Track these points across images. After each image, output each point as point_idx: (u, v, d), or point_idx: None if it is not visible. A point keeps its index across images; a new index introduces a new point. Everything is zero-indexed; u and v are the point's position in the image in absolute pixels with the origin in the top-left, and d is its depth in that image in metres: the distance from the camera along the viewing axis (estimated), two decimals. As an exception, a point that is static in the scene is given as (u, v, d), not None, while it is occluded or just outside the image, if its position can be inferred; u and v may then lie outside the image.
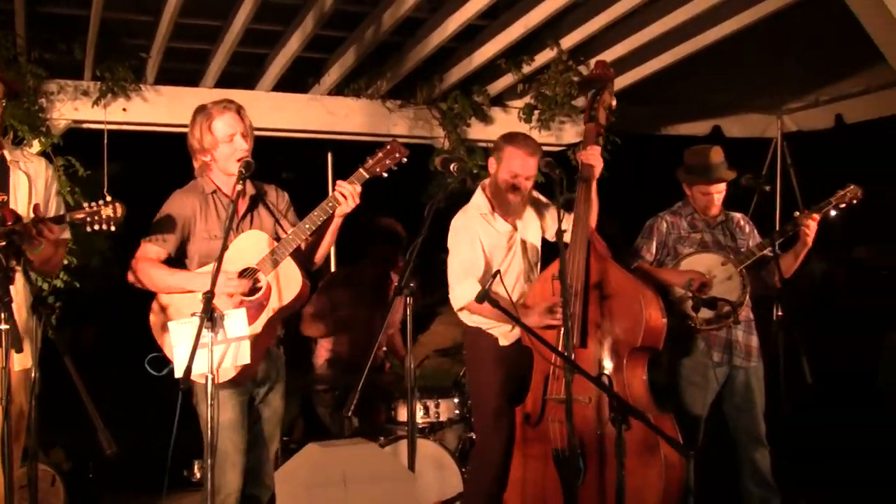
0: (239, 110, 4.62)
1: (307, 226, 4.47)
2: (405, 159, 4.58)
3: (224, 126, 4.55)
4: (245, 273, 4.46)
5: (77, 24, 6.57)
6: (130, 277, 4.56)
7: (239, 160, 4.47)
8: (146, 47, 6.98)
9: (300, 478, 3.88)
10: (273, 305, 4.48)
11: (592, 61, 7.47)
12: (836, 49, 7.54)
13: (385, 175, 4.58)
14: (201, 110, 4.62)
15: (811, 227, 5.46)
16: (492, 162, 5.32)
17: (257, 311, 4.47)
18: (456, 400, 6.21)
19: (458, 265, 5.19)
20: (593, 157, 5.20)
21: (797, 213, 5.56)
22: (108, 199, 4.18)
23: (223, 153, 4.57)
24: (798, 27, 7.46)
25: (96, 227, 4.24)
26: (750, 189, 5.52)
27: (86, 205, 4.25)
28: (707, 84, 8.51)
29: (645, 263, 5.66)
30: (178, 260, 4.61)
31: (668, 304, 5.31)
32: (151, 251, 4.55)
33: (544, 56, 7.42)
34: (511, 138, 5.28)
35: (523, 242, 5.31)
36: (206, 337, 3.98)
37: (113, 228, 4.29)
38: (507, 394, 5.17)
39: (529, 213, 5.38)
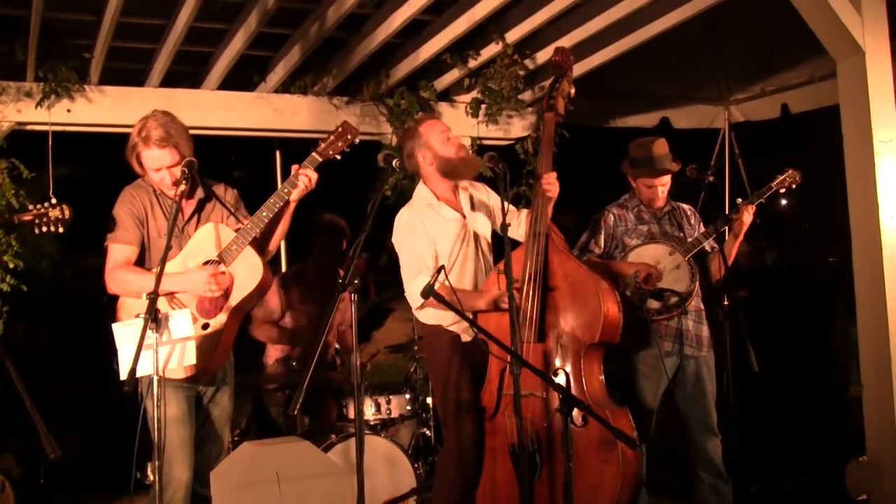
0: (174, 145, 4.48)
1: (264, 213, 4.48)
2: (357, 140, 4.58)
3: (153, 161, 4.50)
4: (207, 265, 4.47)
5: (18, 25, 6.48)
6: (108, 287, 4.53)
7: (164, 185, 4.49)
8: (89, 47, 6.91)
9: (234, 477, 3.88)
10: (236, 296, 4.49)
11: (538, 54, 7.53)
12: (781, 40, 7.63)
13: (338, 157, 4.57)
14: (138, 129, 4.51)
15: (745, 218, 5.51)
16: (423, 155, 5.19)
17: (222, 303, 4.48)
18: (408, 396, 6.19)
19: (407, 263, 5.10)
20: (551, 189, 5.08)
21: (739, 200, 5.61)
22: (54, 200, 4.21)
23: (152, 177, 4.58)
24: (742, 19, 7.53)
25: (45, 228, 4.27)
26: (696, 180, 5.55)
27: (32, 206, 4.26)
28: (654, 76, 8.57)
29: (593, 257, 5.66)
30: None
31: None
32: (120, 253, 4.53)
33: (490, 50, 7.45)
34: (416, 123, 5.44)
35: (475, 235, 5.25)
36: (150, 338, 3.96)
37: (61, 230, 4.31)
38: (471, 390, 5.09)
39: (478, 205, 5.33)
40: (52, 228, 4.29)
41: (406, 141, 5.30)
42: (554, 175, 5.11)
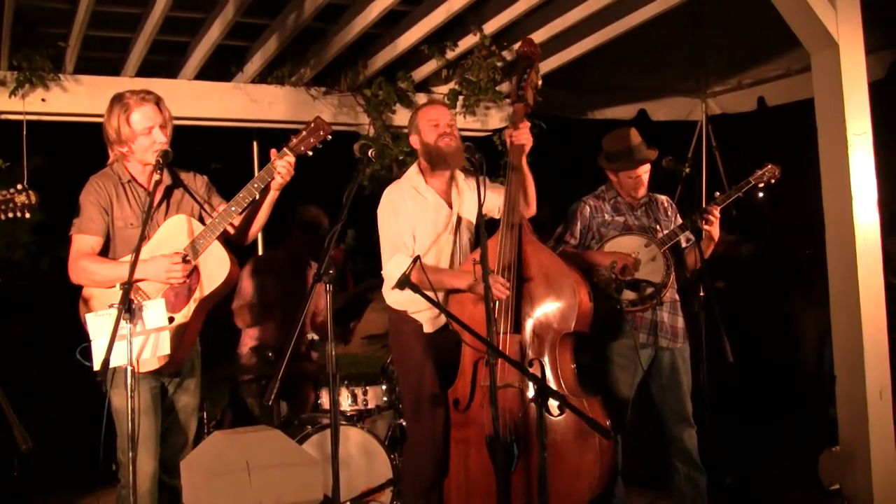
0: (158, 102, 4.59)
1: (233, 208, 4.47)
2: (329, 136, 4.56)
3: (142, 118, 4.51)
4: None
5: (-9, 13, 6.44)
6: (72, 277, 4.51)
7: (156, 151, 4.44)
8: (64, 36, 6.86)
9: (204, 466, 3.89)
10: (202, 290, 4.48)
11: (516, 45, 7.52)
12: (758, 33, 7.67)
13: (310, 154, 4.55)
14: (118, 100, 4.57)
15: (711, 220, 5.49)
16: (413, 139, 5.26)
17: (187, 297, 4.47)
18: (384, 387, 6.19)
19: (386, 242, 5.13)
20: (524, 136, 5.09)
21: (717, 194, 5.62)
22: (20, 186, 4.20)
23: (141, 145, 4.53)
24: (719, 12, 7.56)
25: (10, 214, 4.25)
26: (672, 172, 5.56)
27: None
28: (632, 68, 8.58)
29: (569, 248, 5.67)
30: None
31: (592, 287, 5.34)
32: (84, 243, 4.51)
33: (468, 41, 7.46)
34: (418, 108, 5.42)
35: (459, 219, 5.23)
36: (124, 328, 3.94)
37: (28, 216, 4.29)
38: (435, 380, 5.10)
39: (466, 190, 5.27)
40: (19, 214, 4.28)
41: (409, 123, 5.40)
42: (527, 125, 5.14)
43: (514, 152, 5.09)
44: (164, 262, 4.39)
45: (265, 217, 4.72)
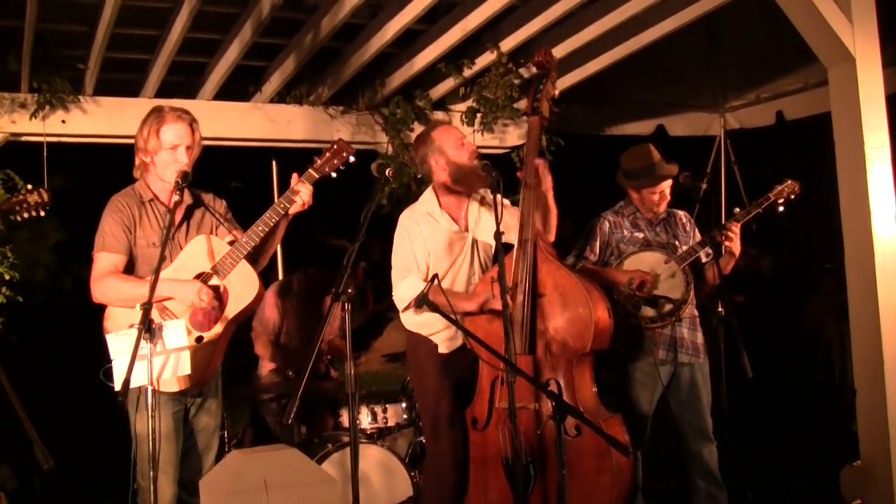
0: (192, 123, 4.61)
1: (260, 228, 4.47)
2: (352, 158, 4.58)
3: (172, 135, 4.53)
4: (199, 278, 4.46)
5: (11, 36, 6.49)
6: (95, 296, 4.50)
7: (176, 171, 4.47)
8: (83, 58, 6.93)
9: (222, 485, 3.90)
10: (231, 310, 4.48)
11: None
12: (775, 47, 7.66)
13: (334, 175, 4.57)
14: (156, 111, 4.60)
15: (731, 237, 5.48)
16: (435, 160, 5.12)
17: (216, 316, 4.48)
18: (404, 405, 6.19)
19: (396, 264, 5.11)
20: (542, 170, 4.95)
21: (737, 210, 5.60)
22: (30, 186, 4.26)
23: (163, 160, 4.55)
24: (736, 26, 7.56)
25: (25, 214, 4.30)
26: (690, 188, 5.54)
27: (11, 196, 4.30)
28: (649, 84, 8.60)
29: (589, 264, 5.65)
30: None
31: (612, 304, 5.32)
32: (107, 261, 4.50)
33: (484, 59, 7.46)
34: (429, 128, 5.27)
35: (475, 242, 5.18)
36: (144, 348, 3.95)
37: (42, 213, 4.34)
38: (452, 400, 5.07)
39: (484, 211, 5.22)
40: (34, 213, 4.34)
41: (419, 146, 5.23)
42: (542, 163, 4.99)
43: (528, 171, 5.00)
44: (197, 285, 4.39)
45: (277, 242, 4.74)
